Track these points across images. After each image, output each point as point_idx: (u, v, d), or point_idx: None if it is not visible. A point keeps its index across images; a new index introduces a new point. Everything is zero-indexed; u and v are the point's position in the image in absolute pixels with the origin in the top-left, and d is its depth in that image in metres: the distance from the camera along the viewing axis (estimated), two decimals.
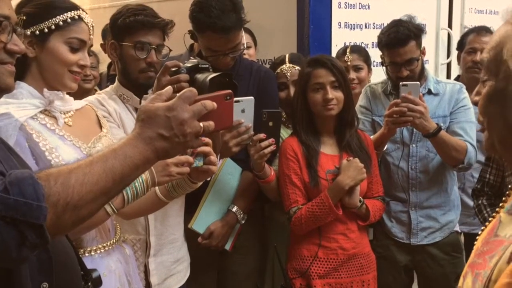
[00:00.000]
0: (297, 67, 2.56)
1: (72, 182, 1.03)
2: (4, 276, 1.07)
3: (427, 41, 2.81)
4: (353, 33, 3.22)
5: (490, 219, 1.11)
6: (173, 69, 1.95)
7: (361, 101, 2.77)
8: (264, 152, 2.19)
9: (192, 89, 1.17)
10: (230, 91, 1.24)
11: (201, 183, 1.84)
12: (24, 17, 1.63)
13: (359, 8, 3.24)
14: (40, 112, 1.65)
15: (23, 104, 1.62)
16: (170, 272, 2.21)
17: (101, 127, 1.85)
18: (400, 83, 2.43)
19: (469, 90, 2.76)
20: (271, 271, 2.60)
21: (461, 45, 3.26)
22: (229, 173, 2.41)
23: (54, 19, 1.65)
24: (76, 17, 1.68)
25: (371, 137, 2.55)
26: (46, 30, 1.65)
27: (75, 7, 1.71)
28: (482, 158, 2.62)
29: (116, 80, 2.20)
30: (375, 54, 2.94)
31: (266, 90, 2.46)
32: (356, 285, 2.35)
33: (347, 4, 3.17)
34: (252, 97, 2.10)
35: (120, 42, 2.10)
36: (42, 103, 1.66)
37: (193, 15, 2.28)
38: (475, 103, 1.06)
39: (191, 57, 2.10)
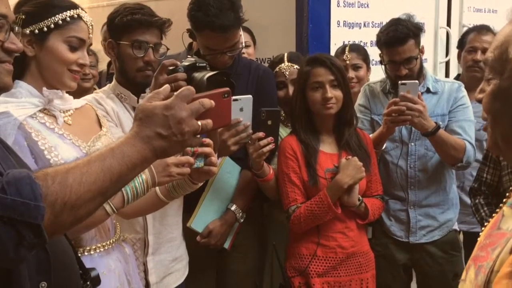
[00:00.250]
0: (295, 66, 2.56)
1: (70, 182, 1.03)
2: (3, 276, 1.07)
3: (425, 39, 2.81)
4: (352, 31, 3.22)
5: (487, 218, 1.12)
6: (171, 67, 1.95)
7: (360, 100, 2.77)
8: (263, 150, 2.19)
9: (189, 87, 1.17)
10: (227, 89, 1.24)
11: (201, 183, 1.84)
12: (23, 16, 1.63)
13: (358, 7, 3.24)
14: (40, 111, 1.65)
15: (22, 103, 1.62)
16: (168, 271, 2.22)
17: (100, 126, 1.85)
18: (399, 81, 2.44)
19: (470, 89, 2.76)
20: (270, 269, 2.61)
21: (461, 44, 3.26)
22: (228, 172, 2.41)
23: (53, 18, 1.65)
24: (76, 16, 1.68)
25: (370, 135, 2.55)
26: (45, 29, 1.64)
27: (74, 6, 1.71)
28: (480, 156, 2.63)
29: (114, 79, 2.20)
30: (374, 53, 2.93)
31: (264, 89, 2.46)
32: (355, 283, 2.35)
33: (346, 3, 3.17)
34: (250, 96, 2.10)
35: (117, 41, 2.11)
36: (41, 102, 1.66)
37: (191, 14, 2.28)
38: (478, 101, 1.07)
39: (188, 56, 2.10)
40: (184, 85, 1.79)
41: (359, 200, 2.32)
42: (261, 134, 2.19)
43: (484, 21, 3.52)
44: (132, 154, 1.10)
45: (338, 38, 3.14)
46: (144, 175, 1.63)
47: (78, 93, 1.92)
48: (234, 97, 1.94)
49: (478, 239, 1.10)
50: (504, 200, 1.10)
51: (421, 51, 2.63)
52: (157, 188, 1.79)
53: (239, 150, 2.20)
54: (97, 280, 1.45)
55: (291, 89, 2.53)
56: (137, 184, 1.64)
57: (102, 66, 3.80)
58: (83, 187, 1.04)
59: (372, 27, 3.29)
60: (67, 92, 1.76)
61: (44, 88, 1.66)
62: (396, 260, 2.69)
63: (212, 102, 1.17)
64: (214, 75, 1.93)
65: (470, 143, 2.53)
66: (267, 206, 2.66)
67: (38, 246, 1.02)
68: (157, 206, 1.88)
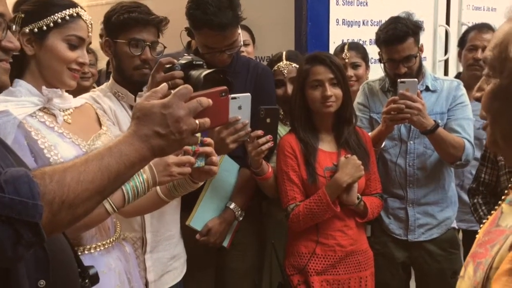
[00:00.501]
0: (294, 65, 2.56)
1: (68, 180, 1.03)
2: (1, 275, 1.07)
3: (425, 38, 2.81)
4: (351, 30, 3.22)
5: (486, 217, 1.12)
6: (167, 66, 1.95)
7: (359, 98, 2.77)
8: (262, 148, 2.19)
9: (187, 86, 1.17)
10: (225, 87, 1.24)
11: (202, 183, 1.84)
12: (23, 15, 1.62)
13: (357, 5, 3.24)
14: (39, 109, 1.65)
15: (21, 102, 1.62)
16: (166, 269, 2.22)
17: (100, 125, 1.85)
18: (398, 80, 2.43)
19: (470, 87, 2.74)
20: (269, 267, 2.60)
21: (462, 42, 3.26)
22: (226, 170, 2.41)
23: (52, 16, 1.65)
24: (75, 14, 1.68)
25: (369, 134, 2.55)
26: (44, 27, 1.65)
27: (74, 5, 1.70)
28: (479, 155, 2.63)
29: (111, 77, 2.20)
30: (373, 51, 2.94)
31: (263, 87, 2.46)
32: (353, 281, 2.36)
33: (345, 1, 3.17)
34: (248, 94, 2.10)
35: (114, 39, 2.11)
36: (41, 101, 1.66)
37: (190, 12, 2.28)
38: (477, 99, 1.07)
39: (185, 54, 2.10)
40: (181, 84, 1.80)
41: (358, 198, 2.32)
42: (259, 132, 2.18)
43: (483, 19, 3.52)
44: (130, 153, 1.10)
45: (337, 36, 3.14)
46: (145, 175, 1.63)
47: (77, 92, 1.92)
48: (232, 95, 1.94)
49: (477, 236, 1.10)
50: (502, 197, 1.10)
51: (420, 49, 2.63)
52: (157, 187, 1.79)
53: (238, 148, 2.20)
54: (95, 278, 1.45)
55: (289, 88, 2.53)
56: (137, 183, 1.64)
57: (102, 65, 3.80)
58: (81, 185, 1.04)
59: (371, 25, 3.29)
60: (66, 91, 1.76)
61: (44, 87, 1.66)
62: (395, 258, 2.70)
63: (210, 100, 1.17)
64: (211, 73, 1.93)
65: (469, 141, 2.53)
66: (266, 204, 2.66)
67: (36, 245, 1.02)
68: (158, 205, 1.88)
